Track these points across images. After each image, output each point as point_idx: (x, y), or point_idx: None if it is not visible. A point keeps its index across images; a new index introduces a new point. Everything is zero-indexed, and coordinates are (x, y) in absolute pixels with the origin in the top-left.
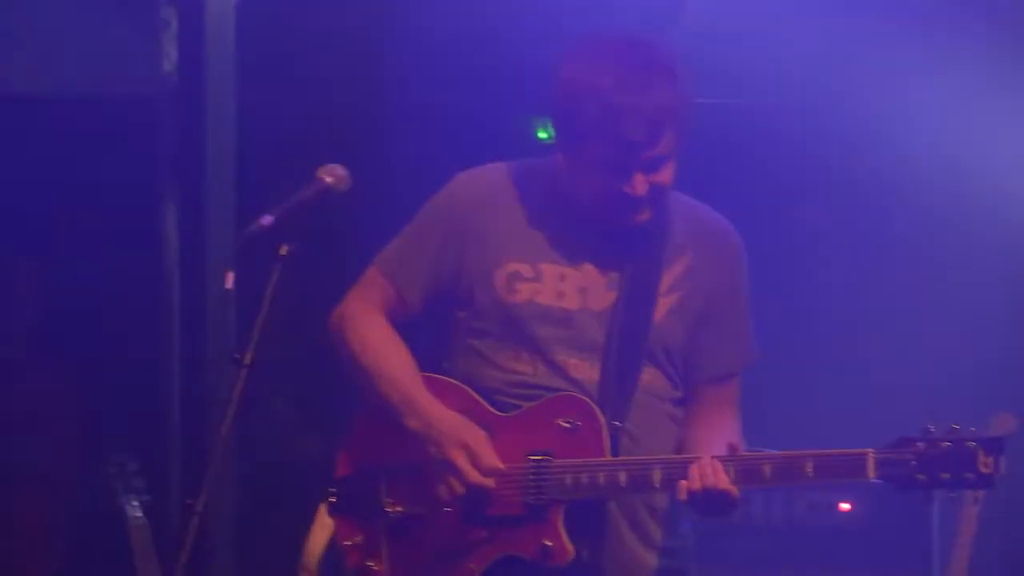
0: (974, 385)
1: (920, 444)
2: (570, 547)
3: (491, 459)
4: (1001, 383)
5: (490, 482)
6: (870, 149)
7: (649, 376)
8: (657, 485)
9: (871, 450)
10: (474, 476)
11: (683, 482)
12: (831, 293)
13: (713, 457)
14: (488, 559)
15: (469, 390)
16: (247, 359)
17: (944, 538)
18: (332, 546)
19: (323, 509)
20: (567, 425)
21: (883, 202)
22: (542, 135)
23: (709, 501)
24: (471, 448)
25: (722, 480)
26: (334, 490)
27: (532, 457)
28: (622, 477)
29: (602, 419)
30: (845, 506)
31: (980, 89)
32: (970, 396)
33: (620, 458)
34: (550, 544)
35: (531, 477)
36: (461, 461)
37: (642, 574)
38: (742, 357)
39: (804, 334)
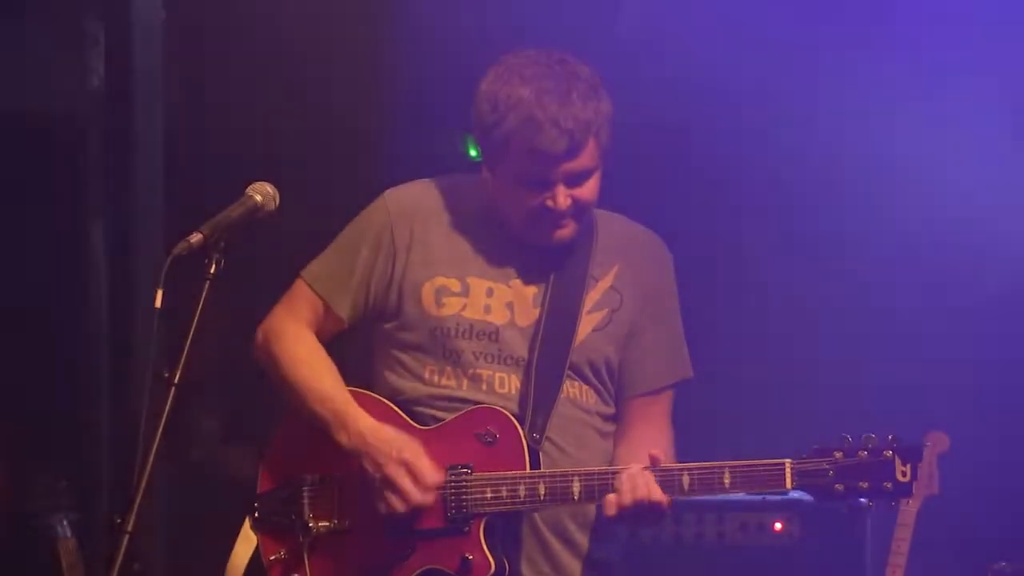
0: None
1: (837, 454)
2: (491, 559)
3: (431, 475)
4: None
5: (431, 499)
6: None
7: (574, 391)
8: (576, 498)
9: (789, 460)
10: (415, 496)
11: (611, 496)
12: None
13: (644, 468)
14: (411, 572)
15: (390, 404)
16: (176, 376)
17: (878, 555)
18: (256, 561)
19: (247, 524)
20: (486, 438)
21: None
22: (472, 152)
23: (639, 513)
24: (411, 465)
25: (655, 491)
26: (257, 505)
27: (452, 470)
28: (541, 490)
29: (521, 431)
30: (778, 525)
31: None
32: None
33: (539, 471)
34: (471, 557)
35: (452, 490)
36: (402, 479)
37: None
38: (673, 370)
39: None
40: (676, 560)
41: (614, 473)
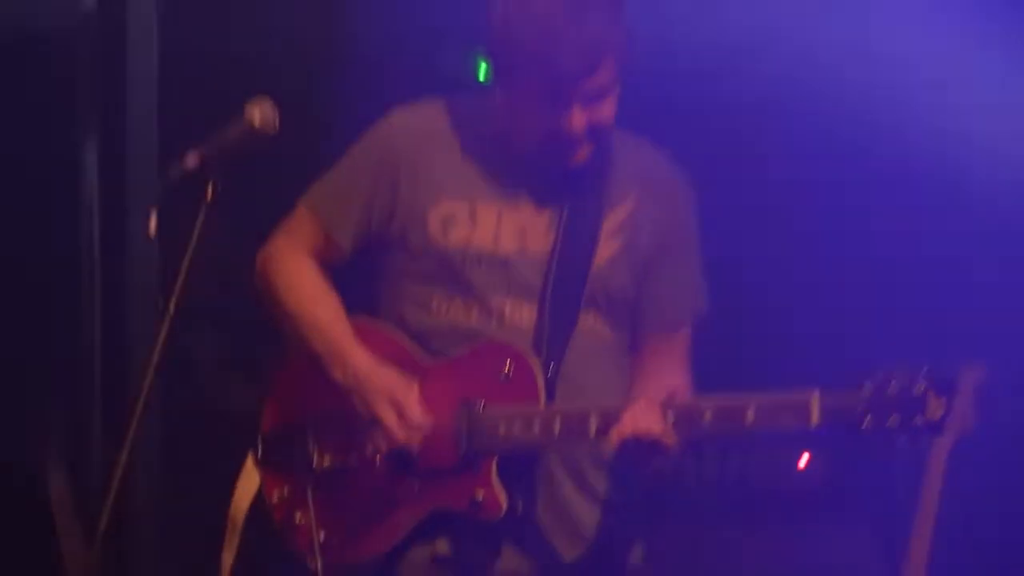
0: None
1: (867, 386)
2: (502, 499)
3: (419, 416)
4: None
5: (416, 439)
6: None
7: (590, 322)
8: (593, 434)
9: (815, 392)
10: (401, 434)
11: (614, 428)
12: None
13: (649, 400)
14: (419, 513)
15: (400, 335)
16: (172, 306)
17: (909, 496)
18: (259, 500)
19: (249, 462)
20: (500, 371)
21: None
22: (482, 74)
23: (640, 449)
24: (399, 403)
25: (655, 424)
26: (260, 443)
27: (464, 406)
28: (556, 426)
29: (535, 365)
30: (803, 464)
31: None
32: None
33: (554, 407)
34: (481, 496)
35: (463, 427)
36: (388, 417)
37: (582, 529)
38: (691, 307)
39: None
40: (697, 502)
41: (628, 405)
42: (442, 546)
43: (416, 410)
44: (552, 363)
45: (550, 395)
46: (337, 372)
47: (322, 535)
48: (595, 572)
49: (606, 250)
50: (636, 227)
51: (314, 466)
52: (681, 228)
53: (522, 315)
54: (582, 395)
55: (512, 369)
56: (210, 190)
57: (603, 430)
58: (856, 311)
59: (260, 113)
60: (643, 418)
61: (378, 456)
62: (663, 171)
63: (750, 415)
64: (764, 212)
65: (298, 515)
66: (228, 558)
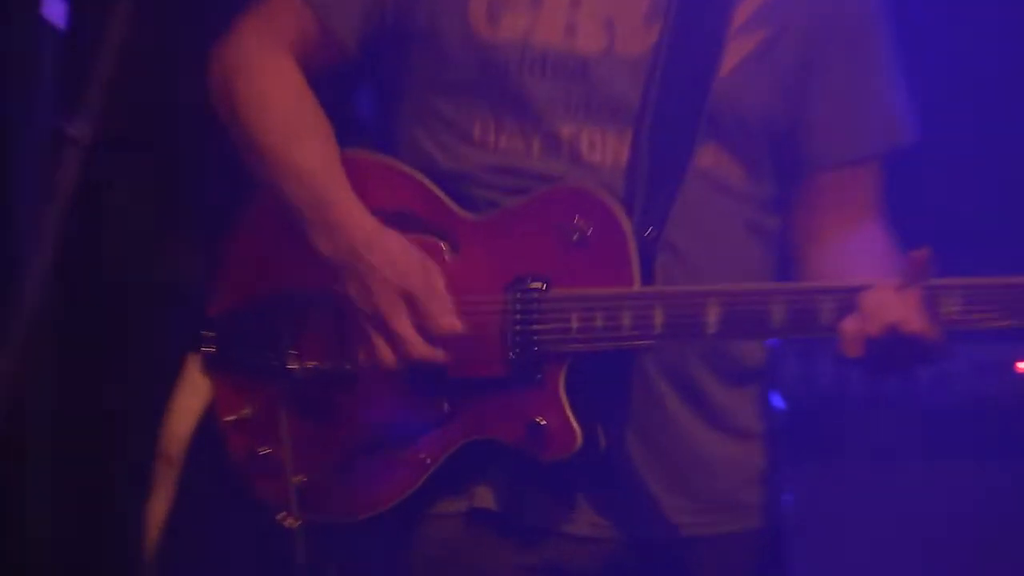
0: None
1: None
2: (576, 426)
3: (447, 317)
4: None
5: (441, 355)
6: None
7: (711, 159)
8: (712, 330)
9: None
10: (418, 347)
11: (850, 324)
12: None
13: (898, 283)
14: (448, 445)
15: (420, 177)
16: (82, 134)
17: None
18: (206, 422)
19: (192, 364)
20: (572, 234)
21: None
22: None
23: (894, 351)
24: (417, 299)
25: (915, 312)
26: (210, 334)
27: (517, 286)
28: (658, 316)
29: (627, 225)
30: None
31: None
32: None
33: (655, 288)
34: (543, 422)
35: (516, 317)
36: (399, 322)
37: (709, 467)
38: (880, 129)
39: None
40: (872, 423)
41: (781, 292)
42: (483, 497)
43: (441, 305)
44: (653, 220)
45: (647, 270)
46: (322, 240)
47: (302, 478)
48: (719, 540)
49: (736, 51)
50: (781, 16)
51: (291, 368)
52: (854, 12)
53: (607, 149)
54: (699, 270)
55: (590, 229)
56: None
57: (731, 322)
58: None
59: None
60: (897, 304)
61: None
62: None
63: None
64: None
65: (266, 446)
66: (159, 507)
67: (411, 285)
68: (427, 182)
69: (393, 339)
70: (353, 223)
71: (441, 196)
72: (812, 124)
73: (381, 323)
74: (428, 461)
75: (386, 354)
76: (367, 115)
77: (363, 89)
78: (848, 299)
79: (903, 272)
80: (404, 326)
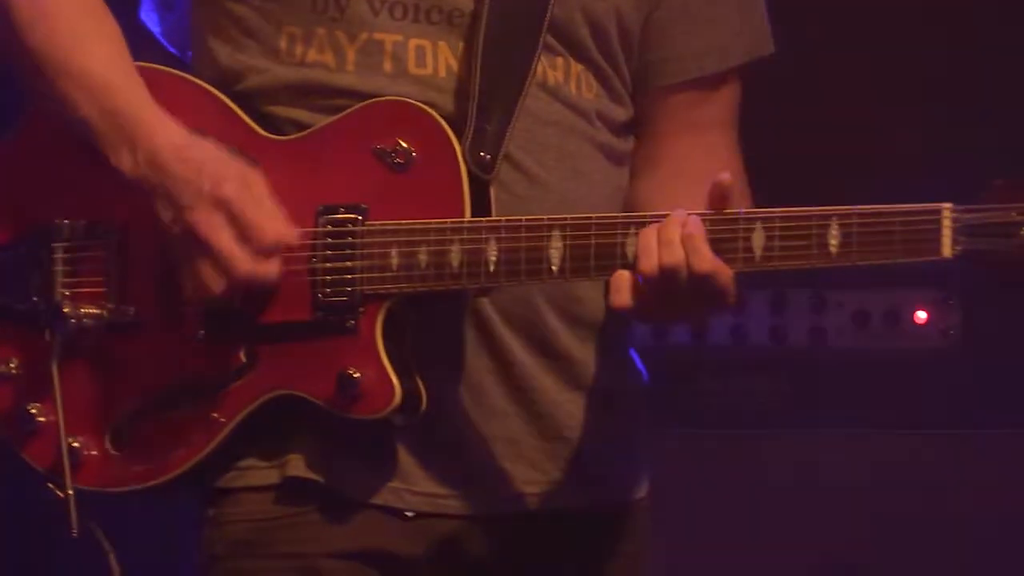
0: None
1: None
2: (396, 381)
3: (273, 223)
4: None
5: (272, 270)
6: None
7: (556, 72)
8: (556, 268)
9: (947, 205)
10: (242, 265)
11: (622, 270)
12: None
13: (690, 214)
14: (246, 402)
15: (216, 93)
16: None
17: None
18: None
19: None
20: (393, 156)
21: None
22: None
23: (674, 298)
24: (237, 208)
25: (702, 254)
26: None
27: (330, 216)
28: (492, 252)
29: (457, 145)
30: (922, 315)
31: None
32: None
33: (489, 219)
34: (356, 375)
35: (327, 253)
36: (219, 236)
37: (563, 432)
38: (744, 41)
39: None
40: (751, 382)
41: (633, 223)
42: (295, 464)
43: (269, 218)
44: (486, 141)
45: (479, 199)
46: (123, 155)
47: (77, 441)
48: (573, 516)
49: None
50: None
51: (66, 315)
52: None
53: (437, 58)
54: (540, 195)
55: (413, 150)
56: None
57: (577, 260)
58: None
59: None
60: (676, 242)
61: (182, 302)
62: None
63: (834, 237)
64: None
65: (34, 406)
66: None
67: (228, 193)
68: (223, 98)
69: (215, 258)
70: (155, 132)
71: (240, 114)
72: (664, 31)
73: (198, 242)
74: (222, 420)
75: (210, 278)
76: (155, 24)
77: None
78: (612, 233)
79: (709, 202)
80: (225, 240)
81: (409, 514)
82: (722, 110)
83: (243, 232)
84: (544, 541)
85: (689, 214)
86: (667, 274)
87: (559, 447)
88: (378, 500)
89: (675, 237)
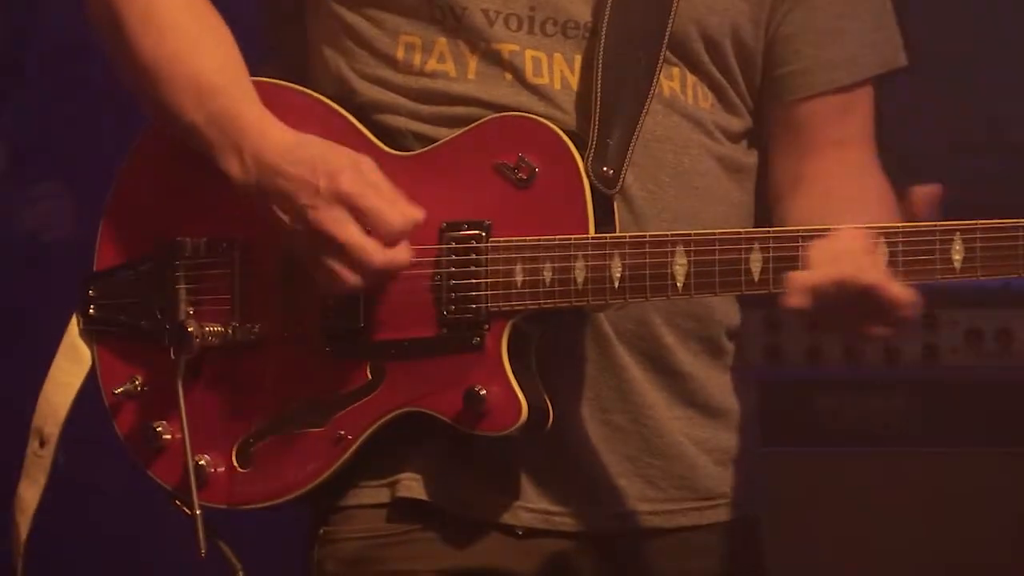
0: None
1: None
2: (522, 399)
3: (398, 207)
4: None
5: (405, 255)
6: None
7: (672, 82)
8: (680, 283)
9: None
10: (378, 254)
11: (795, 275)
12: None
13: (856, 228)
14: (372, 420)
15: (334, 106)
16: None
17: None
18: (89, 395)
19: (73, 329)
20: (516, 172)
21: None
22: None
23: (846, 310)
24: (357, 199)
25: (873, 267)
26: (92, 293)
27: (454, 232)
28: (616, 268)
29: (580, 161)
30: None
31: None
32: None
33: (614, 235)
34: (483, 391)
35: (451, 270)
36: (346, 230)
37: (677, 449)
38: (876, 52)
39: None
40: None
41: (756, 238)
42: (408, 485)
43: (392, 203)
44: (609, 157)
45: (602, 214)
46: (232, 161)
47: (203, 459)
48: (687, 533)
49: None
50: None
51: (191, 335)
52: None
53: (554, 72)
54: (663, 213)
55: (536, 163)
56: None
57: (701, 275)
58: None
59: None
60: (852, 256)
61: (305, 320)
62: None
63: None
64: None
65: (160, 424)
66: (31, 493)
67: (346, 187)
68: (343, 112)
69: (347, 253)
70: (262, 134)
71: (360, 128)
72: (789, 45)
73: (326, 240)
74: (348, 437)
75: (344, 273)
76: (271, 37)
77: (264, 7)
78: (744, 244)
79: (903, 212)
80: (353, 234)
81: (520, 531)
82: (859, 125)
83: (369, 222)
84: (656, 559)
85: (855, 228)
86: (846, 280)
87: (673, 465)
88: (491, 517)
89: (850, 247)
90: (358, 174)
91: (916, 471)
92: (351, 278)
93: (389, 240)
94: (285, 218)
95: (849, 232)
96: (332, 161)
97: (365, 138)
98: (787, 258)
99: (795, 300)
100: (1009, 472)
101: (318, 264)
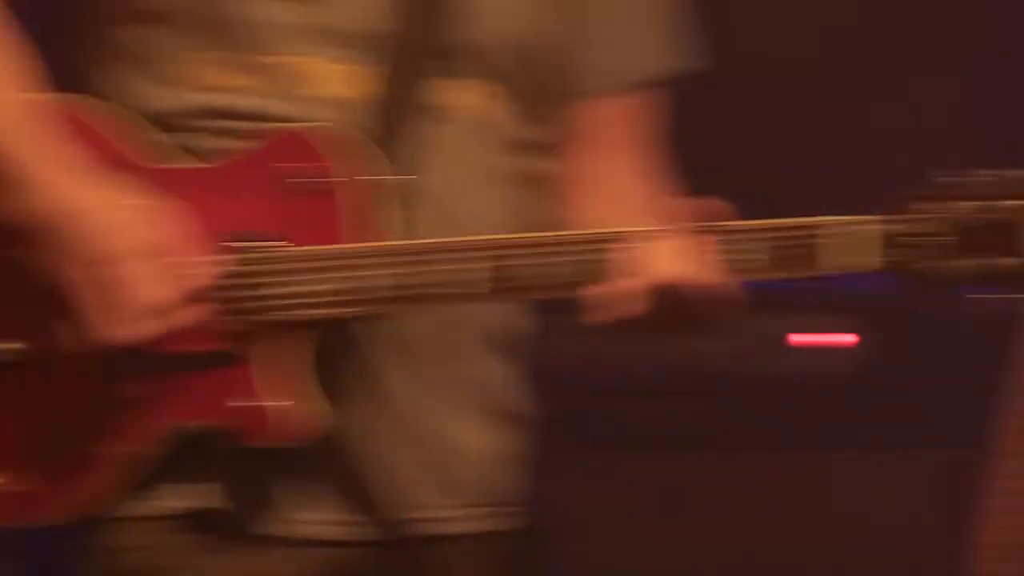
0: None
1: (951, 200)
2: (302, 408)
3: (196, 268)
4: None
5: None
6: None
7: (464, 95)
8: (489, 290)
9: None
10: (159, 286)
11: (618, 275)
12: None
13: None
14: (148, 435)
15: (118, 121)
16: None
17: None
18: None
19: None
20: (296, 184)
21: None
22: None
23: (674, 306)
24: (161, 254)
25: (696, 264)
26: None
27: (237, 244)
28: (387, 278)
29: (365, 170)
30: (850, 339)
31: None
32: None
33: (397, 244)
34: (261, 403)
35: (228, 281)
36: (153, 287)
37: (467, 455)
38: (658, 55)
39: None
40: (673, 403)
41: (619, 238)
42: (187, 495)
43: (196, 264)
44: (395, 163)
45: (386, 222)
46: (25, 197)
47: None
48: (478, 539)
49: None
50: None
51: None
52: None
53: (345, 81)
54: (453, 222)
55: (321, 174)
56: None
57: (504, 280)
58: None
59: None
60: (674, 254)
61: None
62: None
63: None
64: None
65: None
66: None
67: (151, 240)
68: (122, 126)
69: (151, 311)
70: (52, 184)
71: (141, 146)
72: (581, 44)
73: (131, 293)
74: (126, 456)
75: (118, 327)
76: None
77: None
78: (559, 251)
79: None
80: (139, 267)
81: (302, 542)
82: (640, 129)
83: (158, 258)
84: (441, 565)
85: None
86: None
87: (461, 471)
88: (273, 529)
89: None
90: (151, 217)
91: (719, 475)
92: (149, 326)
93: (186, 292)
94: (77, 271)
95: (645, 234)
96: (129, 219)
97: (134, 148)
98: (591, 261)
99: (599, 315)
100: (813, 473)
101: (103, 313)
